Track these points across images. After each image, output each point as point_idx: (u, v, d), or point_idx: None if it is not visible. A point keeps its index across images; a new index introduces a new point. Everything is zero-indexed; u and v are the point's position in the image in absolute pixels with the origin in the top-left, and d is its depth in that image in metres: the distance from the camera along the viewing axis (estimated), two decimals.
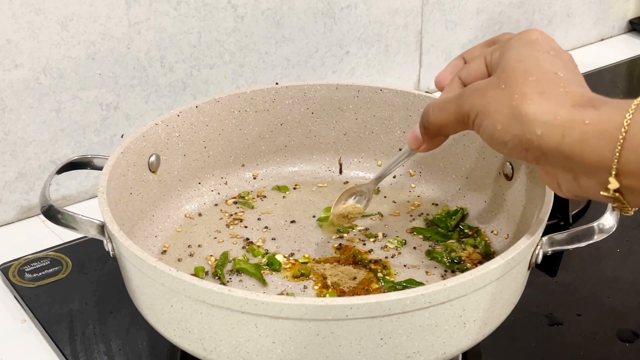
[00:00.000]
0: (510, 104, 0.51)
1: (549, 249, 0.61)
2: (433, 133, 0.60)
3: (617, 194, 0.48)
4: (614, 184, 0.48)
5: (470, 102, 0.54)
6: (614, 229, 0.61)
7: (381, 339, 0.53)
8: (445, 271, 0.71)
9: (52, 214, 0.64)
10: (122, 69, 0.91)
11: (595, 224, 0.61)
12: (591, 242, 0.61)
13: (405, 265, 0.72)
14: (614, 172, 0.47)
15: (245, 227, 0.78)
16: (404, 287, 0.68)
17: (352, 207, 0.74)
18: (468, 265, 0.72)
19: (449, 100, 0.57)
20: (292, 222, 0.79)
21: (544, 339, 0.71)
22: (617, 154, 0.47)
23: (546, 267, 0.79)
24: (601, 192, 0.49)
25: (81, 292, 0.77)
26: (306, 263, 0.72)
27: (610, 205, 0.62)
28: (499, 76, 0.53)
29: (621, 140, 0.46)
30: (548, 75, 0.51)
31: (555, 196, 0.63)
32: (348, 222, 0.74)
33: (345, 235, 0.76)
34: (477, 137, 0.76)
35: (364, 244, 0.75)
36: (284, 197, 0.83)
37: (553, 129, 0.49)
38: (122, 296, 0.66)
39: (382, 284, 0.69)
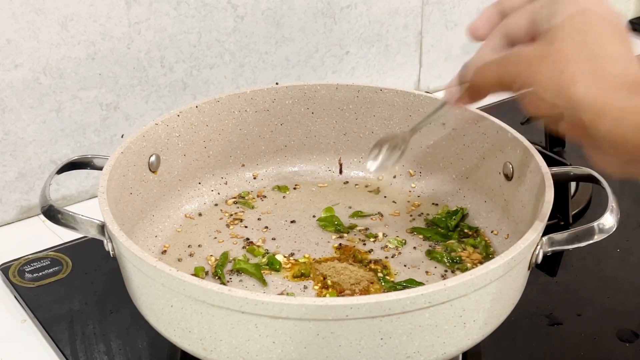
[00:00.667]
0: (559, 83, 0.48)
1: (549, 249, 0.61)
2: (474, 92, 0.58)
3: None
4: None
5: (516, 70, 0.52)
6: (614, 229, 0.61)
7: (381, 339, 0.53)
8: (445, 271, 0.71)
9: (52, 214, 0.64)
10: (122, 69, 0.91)
11: (595, 224, 0.61)
12: (591, 242, 0.61)
13: (405, 265, 0.72)
14: None
15: (245, 227, 0.78)
16: (404, 287, 0.68)
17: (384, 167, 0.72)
18: (468, 265, 0.72)
19: (492, 63, 0.54)
20: (292, 222, 0.79)
21: (544, 339, 0.71)
22: None
23: (546, 267, 0.79)
24: None
25: (81, 292, 0.77)
26: (306, 263, 0.72)
27: (610, 205, 0.62)
28: (547, 46, 0.50)
29: None
30: (599, 52, 0.49)
31: (555, 196, 0.64)
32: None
33: (345, 235, 0.76)
34: (477, 137, 0.77)
35: (364, 244, 0.75)
36: (284, 197, 0.83)
37: (604, 117, 0.47)
38: (122, 296, 0.66)
39: (382, 284, 0.69)
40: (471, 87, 0.58)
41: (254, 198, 0.82)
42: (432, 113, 0.67)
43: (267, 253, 0.73)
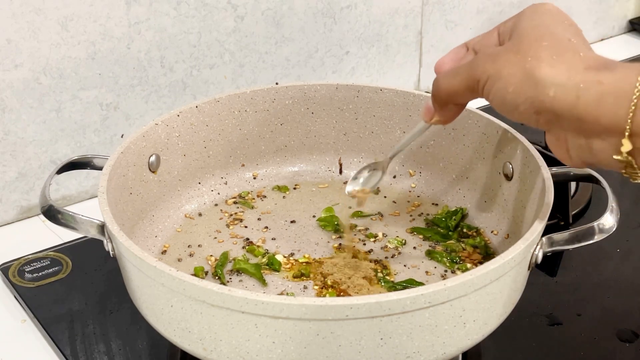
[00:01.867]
0: (524, 67, 0.51)
1: (549, 249, 0.61)
2: (443, 101, 0.60)
3: (629, 158, 0.49)
4: (627, 145, 0.48)
5: (482, 67, 0.54)
6: (614, 229, 0.61)
7: (381, 339, 0.53)
8: (445, 271, 0.71)
9: (52, 214, 0.64)
10: (122, 69, 0.91)
11: (595, 224, 0.61)
12: (591, 242, 0.61)
13: (405, 265, 0.72)
14: (627, 133, 0.47)
15: (245, 227, 0.78)
16: (404, 287, 0.68)
17: (361, 191, 0.73)
18: (468, 265, 0.72)
19: (460, 67, 0.57)
20: (292, 222, 0.79)
21: (544, 339, 0.71)
22: (631, 114, 0.47)
23: (546, 267, 0.79)
24: (614, 156, 0.49)
25: (81, 292, 0.77)
26: (306, 263, 0.72)
27: (610, 205, 0.62)
28: (512, 42, 0.53)
29: (635, 100, 0.47)
30: (562, 41, 0.51)
31: (555, 196, 0.64)
32: (358, 203, 0.74)
33: (345, 235, 0.76)
34: (477, 137, 0.77)
35: (364, 244, 0.75)
36: (284, 197, 0.83)
37: (567, 90, 0.49)
38: (122, 296, 0.66)
39: (382, 284, 0.69)
40: (442, 96, 0.59)
41: (254, 198, 0.82)
42: (412, 137, 0.68)
43: (267, 253, 0.73)
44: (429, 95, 0.80)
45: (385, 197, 0.83)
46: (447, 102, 0.60)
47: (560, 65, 0.50)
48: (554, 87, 0.49)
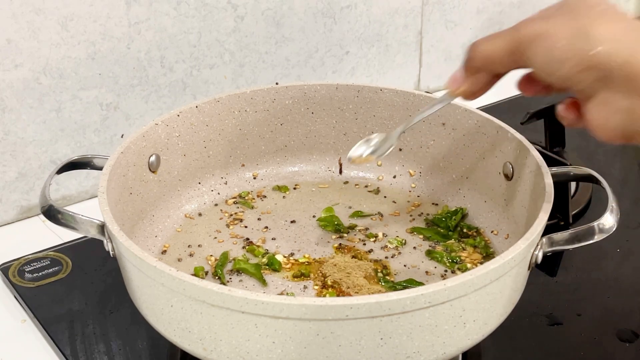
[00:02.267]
0: (577, 25, 0.50)
1: (549, 249, 0.61)
2: (476, 68, 0.58)
3: None
4: None
5: (530, 27, 0.53)
6: (614, 229, 0.61)
7: (381, 339, 0.53)
8: (445, 271, 0.71)
9: (52, 214, 0.64)
10: (122, 69, 0.91)
11: (595, 224, 0.61)
12: (591, 242, 0.61)
13: (405, 265, 0.72)
14: None
15: (245, 227, 0.78)
16: (404, 287, 0.68)
17: (365, 159, 0.70)
18: (468, 265, 0.72)
19: (502, 31, 0.55)
20: (292, 222, 0.79)
21: (544, 339, 0.71)
22: None
23: (546, 267, 0.79)
24: None
25: (81, 292, 0.77)
26: (306, 263, 0.72)
27: (610, 205, 0.62)
28: (564, 9, 0.52)
29: None
30: (615, 9, 0.51)
31: (555, 196, 0.64)
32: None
33: (345, 235, 0.76)
34: (477, 137, 0.77)
35: (364, 244, 0.75)
36: (284, 197, 0.83)
37: (621, 45, 0.49)
38: (122, 296, 0.66)
39: (382, 284, 0.69)
40: (477, 61, 0.57)
41: (254, 198, 0.82)
42: (431, 107, 0.66)
43: (267, 253, 0.73)
44: (429, 95, 0.81)
45: (385, 197, 0.83)
46: (480, 69, 0.58)
47: (616, 24, 0.50)
48: (609, 42, 0.49)
